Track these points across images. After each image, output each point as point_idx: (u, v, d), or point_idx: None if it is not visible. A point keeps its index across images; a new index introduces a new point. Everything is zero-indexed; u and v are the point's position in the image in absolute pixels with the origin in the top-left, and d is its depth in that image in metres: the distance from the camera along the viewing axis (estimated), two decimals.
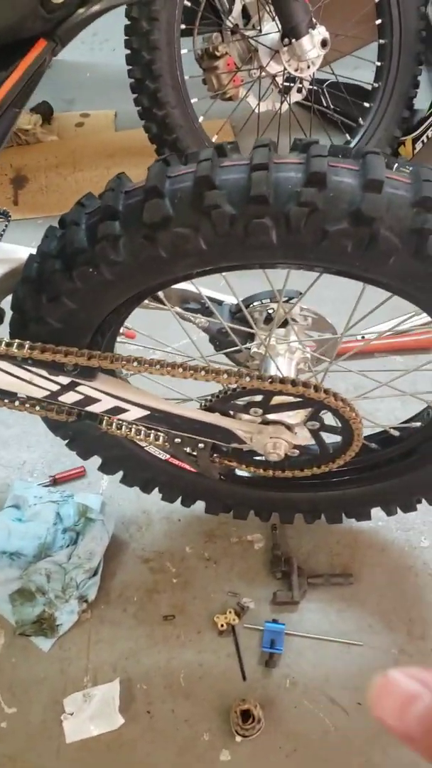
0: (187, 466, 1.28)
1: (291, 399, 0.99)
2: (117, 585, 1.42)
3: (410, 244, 0.78)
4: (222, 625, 1.34)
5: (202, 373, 0.95)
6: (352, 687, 1.28)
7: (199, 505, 1.47)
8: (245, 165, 0.79)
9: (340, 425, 1.04)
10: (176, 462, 1.27)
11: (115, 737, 1.25)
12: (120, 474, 1.31)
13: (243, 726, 1.22)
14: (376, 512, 1.41)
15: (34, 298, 0.93)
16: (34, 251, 1.01)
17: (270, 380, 0.95)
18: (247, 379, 0.94)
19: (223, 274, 0.91)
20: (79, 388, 0.98)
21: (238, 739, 1.23)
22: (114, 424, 1.08)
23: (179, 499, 1.37)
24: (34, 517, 1.48)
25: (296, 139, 0.83)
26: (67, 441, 1.22)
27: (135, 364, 0.95)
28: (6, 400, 1.05)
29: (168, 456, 1.26)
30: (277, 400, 1.00)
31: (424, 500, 1.26)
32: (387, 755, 1.21)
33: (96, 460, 1.28)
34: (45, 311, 0.93)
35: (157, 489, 1.35)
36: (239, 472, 1.29)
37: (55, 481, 1.55)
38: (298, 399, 0.98)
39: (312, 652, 1.32)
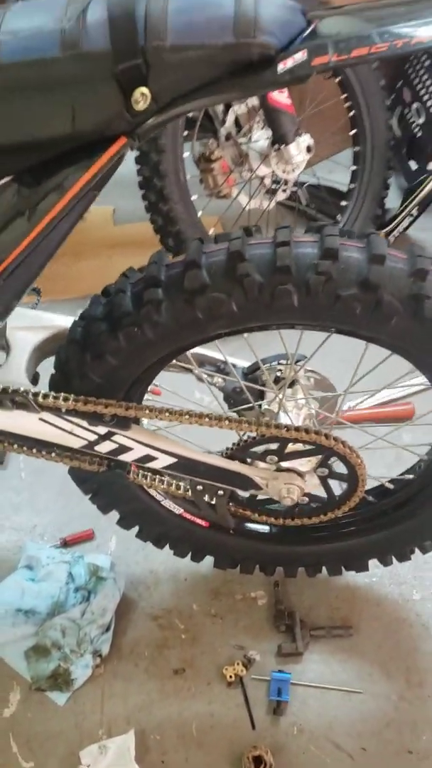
0: (200, 521, 1.38)
1: (303, 447, 1.12)
2: (128, 641, 1.48)
3: (409, 307, 0.93)
4: (230, 677, 1.41)
5: (227, 422, 1.07)
6: (355, 733, 1.35)
7: (205, 566, 1.56)
8: (270, 242, 0.95)
9: (346, 472, 1.16)
10: (189, 517, 1.37)
11: None
12: (135, 529, 1.40)
13: None
14: (372, 569, 1.52)
15: (79, 357, 1.06)
16: (69, 320, 1.15)
17: (286, 428, 1.07)
18: (268, 427, 1.06)
19: (246, 337, 1.06)
20: (114, 438, 1.10)
21: None
22: (140, 474, 1.19)
23: (189, 554, 1.46)
24: (46, 577, 1.55)
25: (311, 223, 0.99)
26: (90, 495, 1.32)
27: (168, 414, 1.07)
28: (44, 452, 1.15)
29: (182, 511, 1.36)
30: (290, 448, 1.12)
31: (417, 551, 1.37)
32: None
33: (106, 523, 1.37)
34: (89, 368, 1.06)
35: (168, 545, 1.44)
36: (249, 526, 1.40)
37: (66, 543, 1.63)
38: (310, 446, 1.10)
39: (316, 701, 1.39)
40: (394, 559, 1.40)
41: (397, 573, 1.56)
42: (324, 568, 1.46)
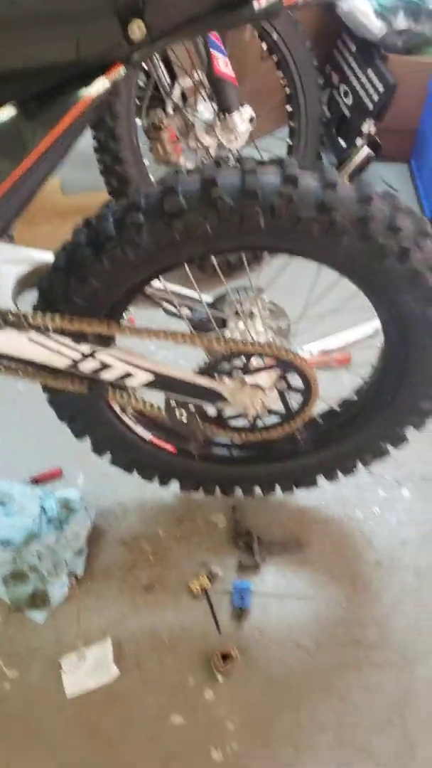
0: (168, 447, 1.51)
1: (265, 363, 1.27)
2: (101, 564, 1.60)
3: (357, 228, 1.09)
4: (196, 589, 1.54)
5: (199, 339, 1.21)
6: (310, 632, 1.51)
7: (169, 496, 1.70)
8: (239, 170, 1.09)
9: (302, 386, 1.31)
10: (158, 443, 1.50)
11: (110, 689, 1.41)
12: (107, 457, 1.52)
13: (224, 666, 1.41)
14: (319, 493, 1.69)
15: (64, 282, 1.17)
16: (48, 255, 1.26)
17: (251, 344, 1.22)
18: (236, 343, 1.21)
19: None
20: (97, 356, 1.22)
21: (220, 678, 1.42)
22: (118, 393, 1.31)
23: (157, 479, 1.58)
24: (19, 511, 1.64)
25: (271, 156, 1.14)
26: (67, 421, 1.43)
27: (146, 333, 1.20)
28: (30, 372, 1.25)
29: (152, 437, 1.49)
30: (254, 365, 1.27)
31: (361, 467, 1.54)
32: (343, 680, 1.43)
33: (73, 462, 1.51)
34: (73, 291, 1.17)
35: (137, 470, 1.56)
36: (211, 451, 1.54)
37: (36, 482, 1.73)
38: (272, 362, 1.25)
39: (275, 608, 1.54)
40: (340, 475, 1.56)
41: (342, 495, 1.73)
42: (277, 487, 1.61)
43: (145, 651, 1.47)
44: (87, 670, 1.42)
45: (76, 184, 2.56)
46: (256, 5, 0.87)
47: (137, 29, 0.87)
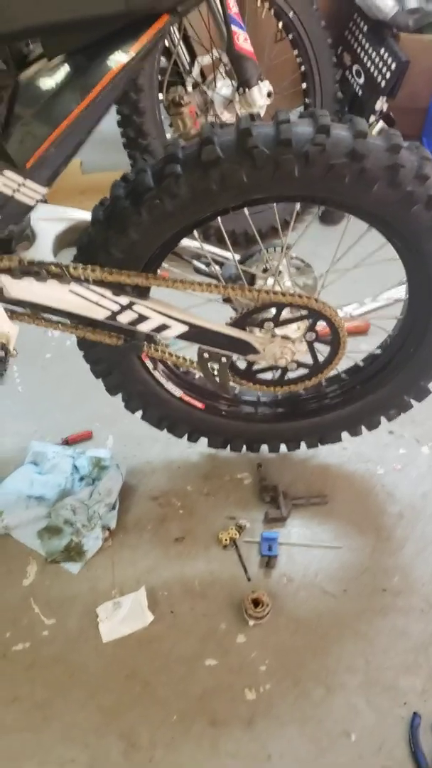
0: (197, 404, 1.56)
1: (294, 314, 1.32)
2: (132, 518, 1.65)
3: (387, 175, 1.14)
4: (225, 540, 1.60)
5: (232, 290, 1.26)
6: (337, 579, 1.56)
7: (195, 454, 1.75)
8: (272, 122, 1.14)
9: (329, 336, 1.37)
10: (188, 399, 1.55)
11: (144, 634, 1.46)
12: (136, 418, 1.58)
13: (255, 610, 1.47)
14: (341, 450, 1.74)
15: (102, 234, 1.23)
16: (85, 213, 1.31)
17: (282, 294, 1.27)
18: (267, 293, 1.26)
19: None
20: (134, 307, 1.27)
21: (251, 623, 1.47)
22: (152, 347, 1.36)
23: (186, 435, 1.63)
24: (52, 469, 1.70)
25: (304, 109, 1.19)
26: (102, 376, 1.48)
27: (182, 283, 1.25)
28: (71, 324, 1.31)
29: (182, 393, 1.54)
30: (284, 316, 1.32)
31: (385, 420, 1.59)
32: (370, 625, 1.48)
33: (102, 425, 1.62)
34: (112, 244, 1.22)
35: (168, 426, 1.61)
36: (239, 408, 1.59)
37: (67, 443, 1.78)
38: (302, 312, 1.30)
39: (301, 556, 1.60)
40: (364, 430, 1.61)
41: (363, 452, 1.78)
42: (303, 443, 1.66)
43: (178, 598, 1.52)
44: (122, 617, 1.48)
45: (95, 164, 2.62)
46: None
47: None
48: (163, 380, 1.51)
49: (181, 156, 1.15)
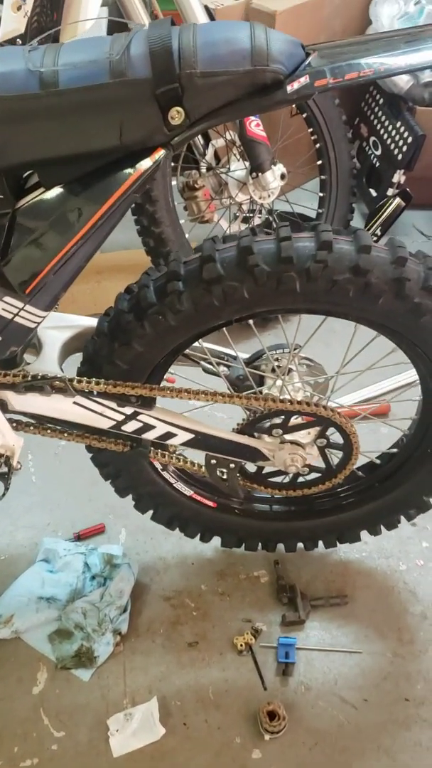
0: (208, 502, 1.53)
1: (304, 420, 1.28)
2: (144, 620, 1.60)
3: (393, 288, 1.11)
4: (241, 646, 1.54)
5: (238, 399, 1.23)
6: (357, 687, 1.49)
7: (210, 550, 1.71)
8: (274, 238, 1.12)
9: (342, 442, 1.33)
10: (199, 498, 1.52)
11: (157, 748, 1.41)
12: (149, 513, 1.54)
13: (270, 724, 1.40)
14: (362, 546, 1.69)
15: (107, 346, 1.22)
16: (90, 320, 1.31)
17: (290, 402, 1.24)
18: (274, 401, 1.23)
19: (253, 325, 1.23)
20: (139, 417, 1.25)
21: (267, 737, 1.41)
22: (159, 453, 1.34)
23: (198, 535, 1.60)
24: (64, 567, 1.67)
25: (306, 221, 1.18)
26: (110, 479, 1.46)
27: (186, 393, 1.23)
28: (75, 434, 1.29)
29: (192, 492, 1.51)
30: (293, 422, 1.29)
31: (403, 519, 1.54)
32: (394, 739, 1.41)
33: (115, 518, 1.62)
34: (116, 355, 1.21)
35: (179, 526, 1.58)
36: (252, 506, 1.55)
37: (79, 537, 1.75)
38: (311, 418, 1.27)
39: (320, 662, 1.53)
40: (383, 529, 1.56)
41: (384, 547, 1.72)
42: (320, 542, 1.61)
43: (191, 709, 1.46)
44: (133, 730, 1.42)
45: (113, 243, 2.62)
46: (289, 89, 0.92)
47: (177, 115, 0.92)
48: (172, 480, 1.48)
49: (183, 273, 1.14)
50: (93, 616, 1.56)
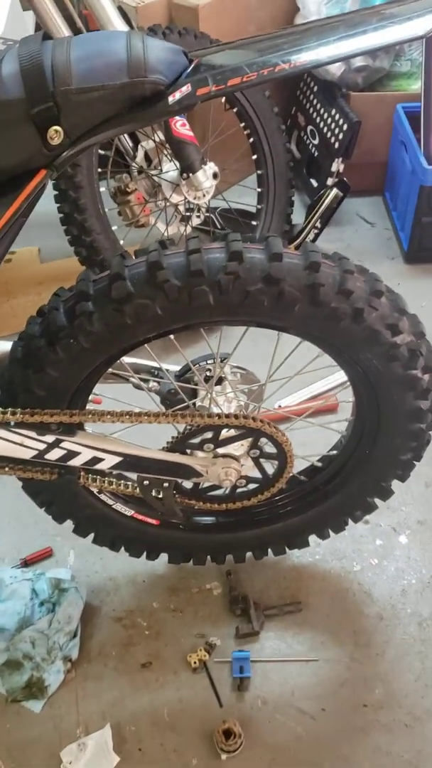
0: (150, 520, 1.49)
1: (235, 433, 1.25)
2: (95, 644, 1.56)
3: (308, 295, 1.08)
4: (195, 663, 1.51)
5: (164, 417, 1.19)
6: (314, 697, 1.47)
7: (160, 566, 1.67)
8: (183, 251, 1.08)
9: (275, 451, 1.29)
10: (140, 517, 1.48)
11: None
12: (91, 536, 1.50)
13: (226, 743, 1.37)
14: (314, 548, 1.66)
15: (21, 373, 1.17)
16: (5, 344, 1.26)
17: (217, 416, 1.20)
18: (201, 417, 1.19)
19: (174, 339, 1.19)
20: (62, 444, 1.20)
21: (224, 757, 1.38)
22: (90, 477, 1.29)
23: (144, 554, 1.56)
24: (11, 596, 1.62)
25: (215, 233, 1.13)
26: (45, 507, 1.41)
27: (109, 416, 1.18)
28: None
29: (133, 512, 1.47)
30: (224, 435, 1.25)
31: (351, 521, 1.51)
32: (354, 747, 1.39)
33: (62, 540, 1.57)
34: (32, 382, 1.16)
35: (124, 547, 1.54)
36: (196, 520, 1.51)
37: (26, 563, 1.71)
38: (241, 431, 1.23)
39: (276, 674, 1.50)
40: (331, 533, 1.53)
41: (337, 548, 1.69)
42: (269, 550, 1.58)
43: (146, 733, 1.43)
44: (86, 761, 1.39)
45: (54, 252, 2.57)
46: (170, 99, 0.87)
47: (55, 135, 0.87)
48: (111, 502, 1.44)
49: (92, 292, 1.10)
50: (42, 645, 1.52)
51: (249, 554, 1.61)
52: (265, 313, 1.10)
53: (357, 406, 1.33)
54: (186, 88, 0.88)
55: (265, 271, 1.06)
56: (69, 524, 1.49)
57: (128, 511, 1.46)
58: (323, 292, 1.07)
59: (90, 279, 1.12)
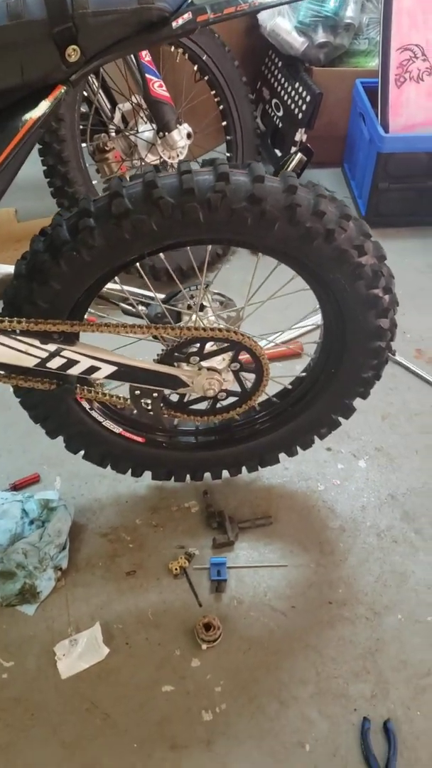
0: (137, 438, 1.62)
1: (218, 347, 1.39)
2: (83, 556, 1.69)
3: (286, 214, 1.23)
4: (175, 570, 1.65)
5: (155, 329, 1.33)
6: (285, 597, 1.62)
7: (142, 488, 1.80)
8: (176, 173, 1.22)
9: (253, 365, 1.44)
10: (128, 435, 1.61)
11: (102, 667, 1.50)
12: (81, 453, 1.63)
13: (207, 634, 1.52)
14: (282, 470, 1.81)
15: (26, 287, 1.29)
16: (7, 267, 1.38)
17: (203, 329, 1.35)
18: (189, 330, 1.33)
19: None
20: (63, 353, 1.33)
21: (204, 647, 1.52)
22: (85, 389, 1.42)
23: (130, 470, 1.69)
24: (2, 516, 1.73)
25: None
26: (39, 421, 1.53)
27: (107, 327, 1.31)
28: (2, 373, 1.36)
29: (121, 429, 1.60)
30: (208, 349, 1.39)
31: (317, 439, 1.67)
32: (319, 637, 1.55)
33: (49, 467, 1.67)
34: (36, 295, 1.28)
35: (111, 463, 1.67)
36: (179, 439, 1.66)
37: (15, 488, 1.82)
38: (224, 344, 1.38)
39: (250, 578, 1.65)
40: (299, 450, 1.68)
41: (303, 471, 1.85)
42: (243, 467, 1.73)
43: (132, 630, 1.56)
44: (79, 653, 1.52)
45: (31, 212, 2.67)
46: (174, 24, 1.01)
47: (73, 53, 1.01)
48: (101, 419, 1.57)
49: (93, 209, 1.22)
50: (33, 555, 1.64)
51: (225, 473, 1.75)
52: (249, 232, 1.24)
53: (325, 328, 1.49)
54: (187, 15, 1.02)
55: (249, 192, 1.20)
56: (56, 452, 1.62)
57: (117, 429, 1.59)
58: (300, 213, 1.22)
59: (90, 199, 1.24)
